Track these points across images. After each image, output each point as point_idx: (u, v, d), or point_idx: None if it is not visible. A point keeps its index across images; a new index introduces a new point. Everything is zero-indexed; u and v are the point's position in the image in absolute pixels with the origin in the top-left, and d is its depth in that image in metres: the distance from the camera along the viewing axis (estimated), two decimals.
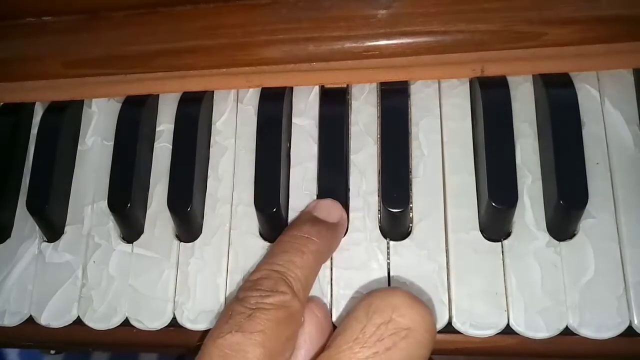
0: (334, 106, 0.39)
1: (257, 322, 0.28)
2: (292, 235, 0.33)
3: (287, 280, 0.30)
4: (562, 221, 0.34)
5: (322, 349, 0.30)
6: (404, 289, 0.29)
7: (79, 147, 0.42)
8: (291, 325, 0.30)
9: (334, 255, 0.36)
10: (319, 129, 0.39)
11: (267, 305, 0.29)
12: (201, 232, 0.38)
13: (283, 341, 0.29)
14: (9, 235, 0.41)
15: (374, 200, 0.37)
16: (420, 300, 0.28)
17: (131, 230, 0.39)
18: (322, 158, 0.38)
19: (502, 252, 0.34)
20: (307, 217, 0.35)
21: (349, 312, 0.29)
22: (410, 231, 0.36)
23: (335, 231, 0.35)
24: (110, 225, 0.39)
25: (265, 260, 0.32)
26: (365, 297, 0.29)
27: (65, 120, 0.41)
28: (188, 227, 0.38)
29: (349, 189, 0.37)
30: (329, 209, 0.35)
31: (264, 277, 0.30)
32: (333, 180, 0.37)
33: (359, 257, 0.36)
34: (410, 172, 0.36)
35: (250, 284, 0.30)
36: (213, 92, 0.41)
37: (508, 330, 0.33)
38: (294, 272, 0.30)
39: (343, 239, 0.36)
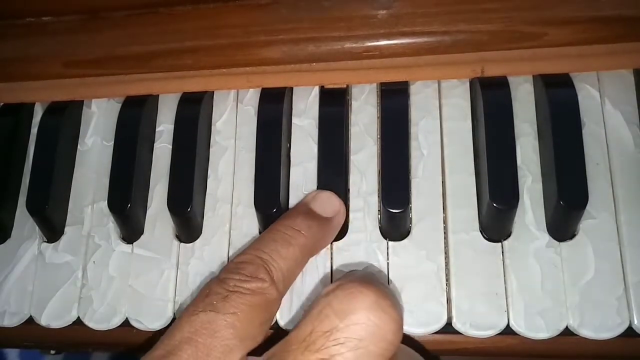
0: (334, 106, 0.39)
1: (232, 305, 0.29)
2: (283, 225, 0.33)
3: (269, 269, 0.31)
4: (562, 221, 0.34)
5: None
6: (374, 286, 0.28)
7: (78, 147, 0.42)
8: (265, 312, 0.30)
9: (335, 255, 0.36)
10: (319, 129, 0.38)
11: (244, 289, 0.29)
12: (201, 232, 0.38)
13: (255, 325, 0.30)
14: (9, 236, 0.41)
15: (373, 200, 0.37)
16: (387, 303, 0.27)
17: (131, 230, 0.39)
18: (322, 158, 0.38)
19: (502, 252, 0.34)
20: (303, 209, 0.35)
21: (310, 305, 0.29)
22: (410, 232, 0.36)
23: (327, 226, 0.35)
24: (110, 225, 0.39)
25: (253, 246, 0.32)
26: (330, 292, 0.28)
27: (65, 120, 0.41)
28: (188, 228, 0.38)
29: (348, 189, 0.37)
30: (325, 203, 0.35)
31: (247, 262, 0.31)
32: (333, 180, 0.37)
33: (358, 258, 0.36)
34: (410, 172, 0.36)
35: (232, 266, 0.31)
36: (213, 92, 0.41)
37: (508, 331, 0.33)
38: (277, 262, 0.31)
39: (343, 240, 0.36)
